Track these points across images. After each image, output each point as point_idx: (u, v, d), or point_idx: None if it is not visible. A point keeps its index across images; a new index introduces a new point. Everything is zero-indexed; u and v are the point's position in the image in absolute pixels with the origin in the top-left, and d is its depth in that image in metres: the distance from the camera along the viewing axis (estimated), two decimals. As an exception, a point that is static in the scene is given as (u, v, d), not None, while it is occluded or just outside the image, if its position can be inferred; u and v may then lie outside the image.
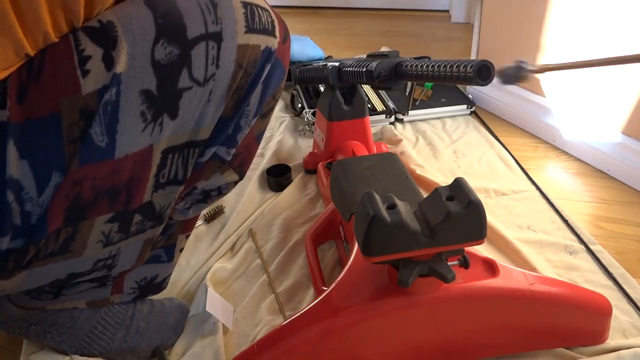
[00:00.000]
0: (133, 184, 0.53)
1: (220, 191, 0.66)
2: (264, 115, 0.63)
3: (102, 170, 0.50)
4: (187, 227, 0.73)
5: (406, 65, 0.73)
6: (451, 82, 0.63)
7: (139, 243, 0.61)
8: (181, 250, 0.75)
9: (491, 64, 0.57)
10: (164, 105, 0.51)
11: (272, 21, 0.57)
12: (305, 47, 1.45)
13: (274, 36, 0.57)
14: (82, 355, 0.72)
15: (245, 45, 0.53)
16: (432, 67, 0.64)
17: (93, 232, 0.54)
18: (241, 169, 0.66)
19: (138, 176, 0.53)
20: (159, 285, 0.74)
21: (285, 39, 0.60)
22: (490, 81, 0.58)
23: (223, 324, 0.78)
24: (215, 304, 0.79)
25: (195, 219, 0.74)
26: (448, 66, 0.62)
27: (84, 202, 0.51)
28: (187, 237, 0.74)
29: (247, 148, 0.64)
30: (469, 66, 0.58)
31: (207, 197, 0.66)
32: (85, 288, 0.67)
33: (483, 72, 0.58)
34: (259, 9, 0.56)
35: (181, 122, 0.52)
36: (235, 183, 0.67)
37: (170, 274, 0.76)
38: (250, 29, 0.54)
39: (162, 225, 0.61)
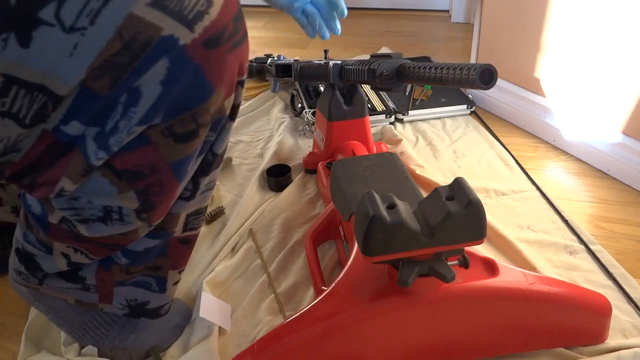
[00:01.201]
0: None
1: (122, 216, 0.55)
2: (177, 137, 0.51)
3: None
4: (178, 262, 0.68)
5: (409, 67, 0.73)
6: (453, 86, 0.63)
7: None
8: (176, 284, 0.71)
9: (494, 68, 0.57)
10: (16, 23, 0.42)
11: (203, 12, 0.46)
12: None
13: (191, 30, 0.45)
14: (76, 341, 0.73)
15: (139, 18, 0.43)
16: (434, 70, 0.64)
17: None
18: (146, 199, 0.55)
19: None
20: (154, 311, 0.71)
21: (214, 43, 0.47)
22: (492, 85, 0.58)
23: (220, 327, 0.78)
24: (211, 307, 0.79)
25: (185, 255, 0.69)
26: (451, 69, 0.62)
27: None
28: (181, 271, 0.70)
29: (154, 172, 0.53)
30: (471, 70, 0.58)
31: (107, 217, 0.56)
32: (64, 285, 0.66)
33: (486, 76, 0.58)
34: None
35: (30, 55, 0.43)
36: (139, 216, 0.56)
37: (168, 304, 0.72)
38: (157, 4, 0.44)
39: None
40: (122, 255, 0.64)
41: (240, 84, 0.55)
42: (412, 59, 0.85)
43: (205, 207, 0.67)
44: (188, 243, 0.68)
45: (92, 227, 0.56)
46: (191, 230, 0.67)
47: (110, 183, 0.52)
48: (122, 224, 0.56)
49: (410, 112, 1.35)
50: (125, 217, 0.56)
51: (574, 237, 0.95)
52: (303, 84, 1.46)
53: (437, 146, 1.24)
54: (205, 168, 0.60)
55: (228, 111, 0.55)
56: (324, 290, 0.69)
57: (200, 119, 0.51)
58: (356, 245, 0.69)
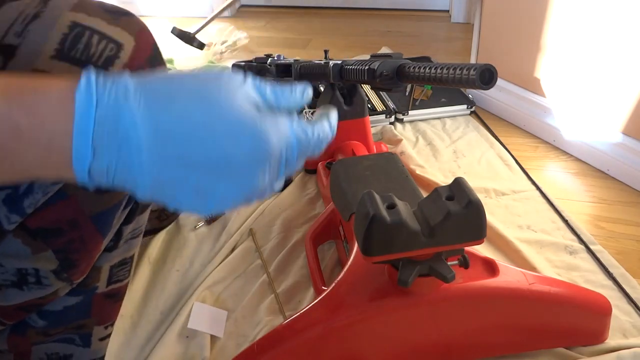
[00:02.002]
0: None
1: (39, 279, 0.49)
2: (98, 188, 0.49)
3: None
4: (104, 319, 0.62)
5: (409, 67, 0.73)
6: (453, 86, 0.63)
7: None
8: (103, 339, 0.64)
9: (494, 68, 0.57)
10: None
11: (113, 57, 0.43)
12: None
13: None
14: None
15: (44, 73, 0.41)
16: (434, 70, 0.64)
17: None
18: (66, 257, 0.49)
19: None
20: None
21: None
22: (492, 85, 0.58)
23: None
24: (202, 317, 0.79)
25: (113, 309, 0.63)
26: (451, 69, 0.62)
27: None
28: (109, 326, 0.63)
29: (73, 227, 0.48)
30: (471, 70, 0.58)
31: (23, 281, 0.49)
32: None
33: (486, 76, 0.58)
34: (96, 36, 0.43)
35: None
36: (59, 276, 0.50)
37: (101, 357, 0.65)
38: (62, 54, 0.41)
39: None
40: (39, 317, 0.56)
41: None
42: (412, 59, 0.85)
43: (132, 257, 0.61)
44: (115, 297, 0.61)
45: (5, 293, 0.50)
46: (117, 282, 0.60)
47: (23, 243, 0.46)
48: (40, 288, 0.50)
49: (410, 112, 1.35)
50: (43, 280, 0.49)
51: (574, 237, 0.95)
52: (303, 84, 1.46)
53: (437, 146, 1.24)
54: (129, 215, 0.56)
55: None
56: (324, 290, 0.69)
57: None
58: (356, 245, 0.69)
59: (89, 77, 0.31)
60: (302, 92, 0.39)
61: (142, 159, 0.31)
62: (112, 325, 0.63)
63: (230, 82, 0.34)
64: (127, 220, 0.56)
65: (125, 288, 0.63)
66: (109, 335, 0.64)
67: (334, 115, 0.41)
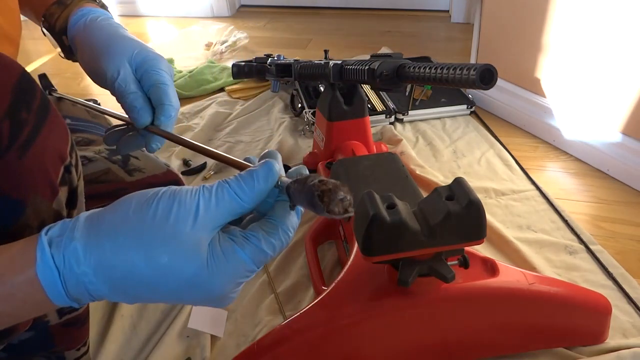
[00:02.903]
0: None
1: None
2: None
3: None
4: (72, 344, 0.60)
5: (409, 67, 0.73)
6: (453, 86, 0.63)
7: None
8: (80, 357, 0.63)
9: (494, 68, 0.57)
10: None
11: None
12: None
13: None
14: None
15: None
16: (434, 70, 0.64)
17: None
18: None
19: None
20: None
21: None
22: (492, 85, 0.58)
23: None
24: (201, 316, 0.79)
25: (81, 333, 0.61)
26: (451, 69, 0.62)
27: None
28: (81, 347, 0.62)
29: None
30: (471, 70, 0.58)
31: None
32: None
33: (486, 77, 0.58)
34: None
35: None
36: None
37: None
38: None
39: None
40: None
41: (67, 169, 0.46)
42: (412, 59, 0.85)
43: None
44: (76, 324, 0.59)
45: None
46: (71, 312, 0.57)
47: None
48: None
49: (410, 112, 1.35)
50: None
51: (573, 237, 0.95)
52: (303, 84, 1.46)
53: (437, 146, 1.25)
54: None
55: (64, 210, 0.46)
56: (324, 290, 0.69)
57: (25, 233, 0.42)
58: (356, 245, 0.69)
59: (43, 252, 0.34)
60: (266, 177, 0.37)
61: (114, 299, 0.36)
62: (84, 345, 0.63)
63: (179, 224, 0.34)
64: None
65: (86, 313, 0.61)
66: (86, 352, 0.64)
67: (294, 215, 0.39)
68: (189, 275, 0.34)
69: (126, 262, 0.34)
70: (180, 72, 1.66)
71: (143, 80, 0.54)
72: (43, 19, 0.62)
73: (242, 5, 2.42)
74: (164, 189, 0.36)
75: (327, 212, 0.33)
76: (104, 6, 0.63)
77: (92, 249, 0.34)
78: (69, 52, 0.63)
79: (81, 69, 0.58)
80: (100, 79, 0.55)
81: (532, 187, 1.09)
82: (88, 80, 0.56)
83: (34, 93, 0.42)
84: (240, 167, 0.41)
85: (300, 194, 0.35)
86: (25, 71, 0.42)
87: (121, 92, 0.53)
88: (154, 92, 0.53)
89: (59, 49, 0.64)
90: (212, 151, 0.45)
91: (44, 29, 0.63)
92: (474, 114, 1.39)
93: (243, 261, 0.36)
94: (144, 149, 0.56)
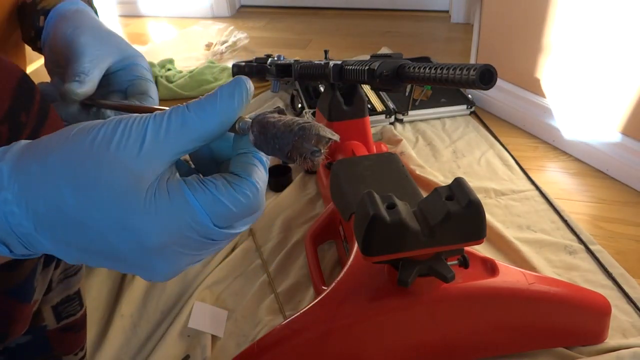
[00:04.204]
0: None
1: None
2: (1, 267, 0.43)
3: None
4: (69, 348, 0.60)
5: (409, 68, 0.73)
6: (453, 86, 0.63)
7: None
8: None
9: (494, 68, 0.57)
10: None
11: None
12: None
13: None
14: None
15: None
16: (434, 70, 0.64)
17: None
18: None
19: None
20: None
21: None
22: (492, 85, 0.58)
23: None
24: (202, 316, 0.79)
25: (77, 338, 0.61)
26: (451, 70, 0.62)
27: None
28: (79, 352, 0.61)
29: None
30: (471, 70, 0.58)
31: None
32: None
33: (486, 77, 0.58)
34: None
35: None
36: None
37: None
38: None
39: None
40: None
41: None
42: (412, 59, 0.85)
43: (76, 292, 0.58)
44: (73, 329, 0.59)
45: None
46: (68, 317, 0.58)
47: None
48: None
49: (410, 113, 1.35)
50: None
51: (573, 237, 0.95)
52: (303, 84, 1.46)
53: (437, 146, 1.25)
54: (57, 260, 0.52)
55: None
56: (324, 290, 0.69)
57: None
58: (356, 245, 0.70)
59: None
60: (231, 92, 0.30)
61: (41, 242, 0.30)
62: (81, 349, 0.61)
63: (120, 152, 0.28)
64: (56, 265, 0.54)
65: (83, 318, 0.60)
66: (83, 356, 0.63)
67: (264, 161, 0.32)
68: (121, 213, 0.28)
69: (53, 191, 0.28)
70: (181, 72, 1.66)
71: (123, 73, 0.50)
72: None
73: (242, 6, 2.42)
74: (110, 118, 0.30)
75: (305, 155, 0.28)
76: (95, 10, 0.60)
77: (18, 173, 0.29)
78: (32, 33, 0.57)
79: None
80: (69, 52, 0.49)
81: (532, 187, 1.09)
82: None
83: (33, 96, 0.42)
84: None
85: (269, 133, 0.29)
86: (25, 74, 0.42)
87: (78, 62, 0.47)
88: (138, 84, 0.49)
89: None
90: (154, 108, 0.39)
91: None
92: (473, 114, 1.39)
93: (192, 207, 0.29)
94: None
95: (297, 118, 0.29)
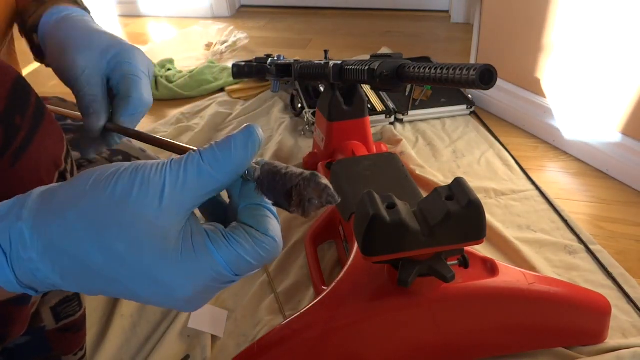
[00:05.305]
0: None
1: None
2: None
3: None
4: (69, 348, 0.60)
5: (409, 67, 0.73)
6: (453, 86, 0.63)
7: None
8: None
9: (494, 68, 0.57)
10: None
11: None
12: None
13: None
14: None
15: None
16: (434, 70, 0.64)
17: None
18: None
19: None
20: None
21: None
22: (492, 85, 0.58)
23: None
24: (202, 316, 0.79)
25: (77, 338, 0.61)
26: (451, 70, 0.62)
27: None
28: (78, 352, 0.61)
29: None
30: (471, 70, 0.58)
31: None
32: None
33: (486, 77, 0.58)
34: None
35: None
36: None
37: None
38: None
39: None
40: None
41: (62, 175, 0.45)
42: (412, 59, 0.85)
43: (75, 293, 0.57)
44: (72, 329, 0.59)
45: None
46: (67, 318, 0.57)
47: None
48: None
49: (410, 113, 1.35)
50: None
51: (573, 237, 0.95)
52: (303, 84, 1.46)
53: (437, 146, 1.25)
54: None
55: None
56: (324, 290, 0.69)
57: None
58: (356, 245, 0.70)
59: None
60: (245, 143, 0.31)
61: (68, 288, 0.31)
62: (81, 349, 0.61)
63: (141, 207, 0.29)
64: None
65: (82, 319, 0.60)
66: (83, 356, 0.63)
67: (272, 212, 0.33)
68: (149, 269, 0.29)
69: (77, 247, 0.29)
70: (180, 72, 1.66)
71: (114, 73, 0.49)
72: (18, 16, 0.58)
73: (242, 6, 2.42)
74: (127, 164, 0.30)
75: (302, 207, 0.29)
76: (85, 9, 0.59)
77: (39, 231, 0.29)
78: (39, 53, 0.58)
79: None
80: (67, 75, 0.49)
81: (532, 187, 1.09)
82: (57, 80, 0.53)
83: (28, 98, 0.41)
84: None
85: (274, 185, 0.30)
86: (20, 76, 0.42)
87: (80, 90, 0.48)
88: (123, 83, 0.48)
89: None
90: (174, 143, 0.39)
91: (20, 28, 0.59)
92: (473, 114, 1.39)
93: (216, 264, 0.30)
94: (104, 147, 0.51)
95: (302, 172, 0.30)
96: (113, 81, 0.49)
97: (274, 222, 0.32)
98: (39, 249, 0.29)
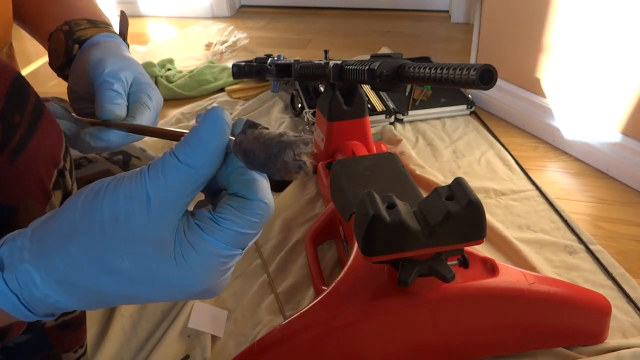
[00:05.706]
0: None
1: None
2: None
3: None
4: (69, 345, 0.60)
5: (409, 67, 0.73)
6: (453, 86, 0.63)
7: None
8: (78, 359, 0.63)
9: (494, 68, 0.57)
10: None
11: None
12: None
13: None
14: None
15: None
16: (434, 70, 0.64)
17: None
18: None
19: None
20: None
21: None
22: (492, 85, 0.58)
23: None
24: (202, 316, 0.79)
25: (77, 335, 0.61)
26: (451, 70, 0.62)
27: None
28: (78, 349, 0.61)
29: None
30: (471, 70, 0.58)
31: None
32: None
33: (486, 77, 0.58)
34: None
35: None
36: None
37: None
38: None
39: None
40: None
41: (60, 173, 0.46)
42: (412, 59, 0.85)
43: None
44: (72, 326, 0.59)
45: None
46: (67, 314, 0.57)
47: None
48: None
49: (410, 113, 1.35)
50: None
51: (573, 237, 0.95)
52: (303, 84, 1.46)
53: (437, 146, 1.25)
54: None
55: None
56: (324, 290, 0.69)
57: None
58: (356, 245, 0.70)
59: None
60: (212, 129, 0.30)
61: (81, 307, 0.33)
62: (81, 347, 0.61)
63: (131, 223, 0.29)
64: None
65: (82, 315, 0.60)
66: (83, 354, 0.63)
67: (264, 185, 0.33)
68: (159, 279, 0.30)
69: (86, 279, 0.30)
70: (180, 72, 1.66)
71: (131, 97, 0.54)
72: (65, 25, 0.61)
73: (242, 6, 2.42)
74: (107, 180, 0.31)
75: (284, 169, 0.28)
76: (128, 46, 0.64)
77: (46, 270, 0.30)
78: (63, 60, 0.60)
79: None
80: (94, 73, 0.53)
81: (532, 187, 1.09)
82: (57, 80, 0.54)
83: (27, 96, 0.41)
84: None
85: (253, 158, 0.29)
86: (19, 74, 0.42)
87: (107, 83, 0.51)
88: (135, 105, 0.52)
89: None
90: (167, 130, 0.40)
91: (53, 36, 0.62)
92: (473, 114, 1.39)
93: (217, 249, 0.30)
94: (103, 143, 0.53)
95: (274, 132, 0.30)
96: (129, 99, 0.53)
97: (261, 183, 0.32)
98: (52, 286, 0.31)
